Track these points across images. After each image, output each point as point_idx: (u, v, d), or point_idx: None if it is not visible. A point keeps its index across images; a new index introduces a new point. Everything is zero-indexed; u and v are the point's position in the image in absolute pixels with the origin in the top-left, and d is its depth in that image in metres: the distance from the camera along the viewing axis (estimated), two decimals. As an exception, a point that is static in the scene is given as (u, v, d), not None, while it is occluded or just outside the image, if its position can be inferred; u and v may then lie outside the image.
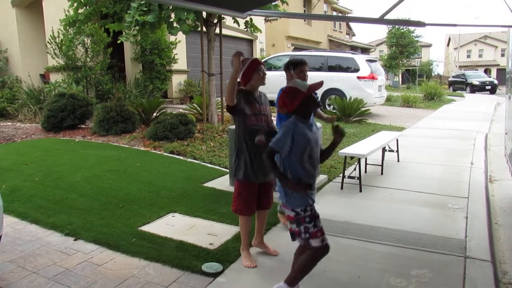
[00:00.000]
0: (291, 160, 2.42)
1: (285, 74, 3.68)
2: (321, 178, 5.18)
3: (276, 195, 2.85)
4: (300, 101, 2.41)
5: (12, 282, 2.84)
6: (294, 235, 2.49)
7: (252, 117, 2.97)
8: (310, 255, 2.45)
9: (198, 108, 9.29)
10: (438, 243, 3.46)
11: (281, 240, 3.43)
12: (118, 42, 8.68)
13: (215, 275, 2.93)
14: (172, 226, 3.82)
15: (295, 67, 3.54)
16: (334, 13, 30.13)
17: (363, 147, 5.42)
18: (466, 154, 7.05)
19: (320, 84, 2.43)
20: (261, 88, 3.13)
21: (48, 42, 10.80)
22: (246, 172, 2.99)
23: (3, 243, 3.15)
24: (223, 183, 5.10)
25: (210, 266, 3.02)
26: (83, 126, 8.96)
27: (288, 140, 2.36)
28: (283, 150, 2.38)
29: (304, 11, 25.09)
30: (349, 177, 5.07)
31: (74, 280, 2.87)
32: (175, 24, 7.22)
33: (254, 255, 3.19)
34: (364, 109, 10.75)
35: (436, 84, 20.86)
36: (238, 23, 8.89)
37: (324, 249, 2.43)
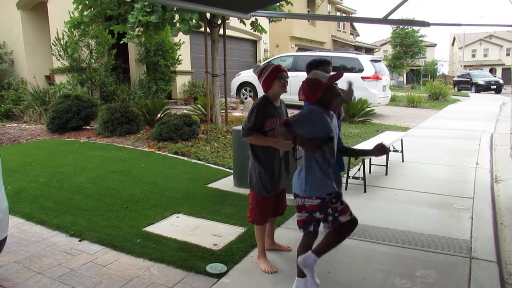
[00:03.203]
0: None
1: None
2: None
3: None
4: (322, 92, 2.41)
5: (18, 282, 2.86)
6: (319, 222, 2.54)
7: (270, 132, 2.88)
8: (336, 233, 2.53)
9: (202, 109, 9.31)
10: (443, 244, 3.44)
11: (282, 240, 3.43)
12: (121, 42, 8.72)
13: (219, 275, 2.93)
14: (177, 226, 3.82)
15: (319, 66, 3.36)
16: (338, 14, 30.11)
17: (368, 148, 5.39)
18: (471, 154, 7.01)
19: (341, 74, 2.44)
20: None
21: (53, 44, 10.86)
22: (262, 186, 2.94)
23: (8, 243, 3.17)
24: (227, 184, 5.10)
25: (214, 267, 3.02)
26: (88, 127, 9.00)
27: (303, 119, 2.40)
28: (297, 128, 2.39)
29: (308, 11, 25.07)
30: (354, 177, 5.06)
31: (79, 280, 2.88)
32: (177, 25, 7.24)
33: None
34: (368, 109, 10.73)
35: (441, 84, 20.78)
36: (244, 23, 8.89)
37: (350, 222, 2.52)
